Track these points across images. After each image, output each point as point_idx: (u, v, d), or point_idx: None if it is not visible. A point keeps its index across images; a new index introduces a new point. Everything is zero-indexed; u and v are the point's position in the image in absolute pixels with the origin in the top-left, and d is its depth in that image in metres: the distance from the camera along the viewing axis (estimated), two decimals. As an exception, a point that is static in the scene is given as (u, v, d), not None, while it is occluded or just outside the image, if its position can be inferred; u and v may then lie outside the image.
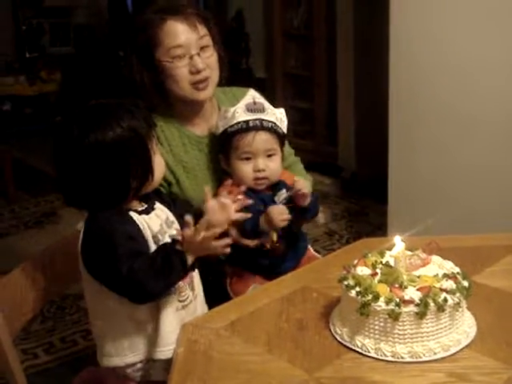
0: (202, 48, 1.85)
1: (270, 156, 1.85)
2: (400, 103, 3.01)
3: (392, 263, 1.43)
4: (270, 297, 1.62)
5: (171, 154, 1.90)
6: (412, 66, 2.93)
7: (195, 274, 1.65)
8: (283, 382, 1.31)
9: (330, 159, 4.50)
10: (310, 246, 2.03)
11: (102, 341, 1.60)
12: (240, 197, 1.71)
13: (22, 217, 4.36)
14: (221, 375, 1.34)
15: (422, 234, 1.79)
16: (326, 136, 4.68)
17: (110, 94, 1.67)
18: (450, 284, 1.36)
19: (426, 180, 3.01)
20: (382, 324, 1.33)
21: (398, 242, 1.43)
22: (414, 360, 1.33)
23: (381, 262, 1.44)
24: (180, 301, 1.58)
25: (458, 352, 1.35)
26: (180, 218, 1.64)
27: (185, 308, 1.60)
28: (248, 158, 1.84)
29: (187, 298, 1.60)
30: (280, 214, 1.75)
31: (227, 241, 1.54)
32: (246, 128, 1.82)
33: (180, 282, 1.56)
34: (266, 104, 1.87)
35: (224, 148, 1.87)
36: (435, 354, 1.33)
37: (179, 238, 1.55)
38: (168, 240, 1.57)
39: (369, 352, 1.35)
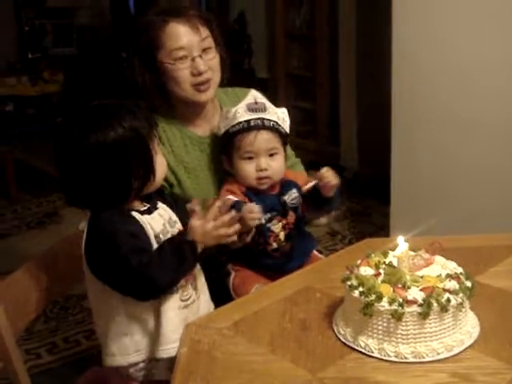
0: (204, 50, 1.85)
1: (272, 155, 1.85)
2: (402, 104, 3.01)
3: (395, 263, 1.43)
4: (273, 297, 1.62)
5: (173, 154, 1.90)
6: (414, 67, 2.93)
7: (198, 273, 1.66)
8: (286, 382, 1.31)
9: (333, 159, 4.50)
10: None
11: (105, 340, 1.61)
12: (232, 198, 1.72)
13: (24, 217, 4.37)
14: (224, 375, 1.34)
15: (425, 235, 1.79)
16: (328, 136, 4.69)
17: (112, 95, 1.67)
18: (453, 284, 1.36)
19: (429, 180, 3.01)
20: (385, 324, 1.34)
21: (401, 243, 1.43)
22: (418, 360, 1.33)
23: (384, 263, 1.45)
24: (182, 300, 1.58)
25: (461, 352, 1.35)
26: (182, 217, 1.64)
27: (187, 307, 1.60)
28: (250, 158, 1.84)
29: (190, 297, 1.60)
30: (251, 212, 1.69)
31: (236, 227, 1.55)
32: (247, 127, 1.82)
33: (182, 281, 1.57)
34: (268, 104, 1.88)
35: (226, 148, 1.87)
36: (438, 354, 1.33)
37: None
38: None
39: (372, 352, 1.35)
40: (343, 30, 4.30)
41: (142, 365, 1.60)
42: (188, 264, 1.52)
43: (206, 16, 1.91)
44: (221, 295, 1.78)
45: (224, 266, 1.90)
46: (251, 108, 1.83)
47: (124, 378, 1.62)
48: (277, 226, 1.85)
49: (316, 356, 1.38)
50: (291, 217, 1.87)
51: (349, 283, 1.40)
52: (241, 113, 1.83)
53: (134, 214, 1.55)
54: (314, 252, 2.02)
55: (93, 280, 1.55)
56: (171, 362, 1.54)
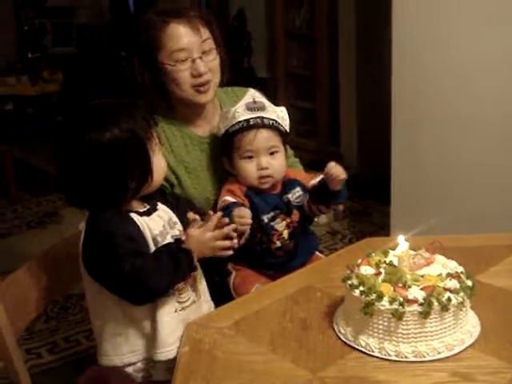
0: (205, 52, 1.85)
1: (272, 154, 1.85)
2: (403, 103, 3.01)
3: (396, 263, 1.43)
4: (274, 296, 1.62)
5: (173, 154, 1.90)
6: (415, 66, 2.93)
7: (199, 275, 1.65)
8: (287, 382, 1.31)
9: (333, 159, 4.48)
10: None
11: (101, 340, 1.61)
12: (230, 199, 1.72)
13: (24, 217, 4.37)
14: (225, 375, 1.34)
15: (426, 234, 1.79)
16: (328, 136, 4.68)
17: (111, 95, 1.67)
18: (453, 283, 1.37)
19: (429, 179, 3.01)
20: (385, 323, 1.34)
21: (402, 242, 1.43)
22: (418, 359, 1.33)
23: (384, 262, 1.45)
24: (179, 302, 1.58)
25: (461, 351, 1.35)
26: (183, 217, 1.64)
27: (185, 309, 1.59)
28: (251, 157, 1.84)
29: (188, 299, 1.60)
30: (241, 217, 1.66)
31: (234, 242, 1.54)
32: (246, 126, 1.82)
33: (181, 284, 1.56)
34: (267, 102, 1.88)
35: (226, 149, 1.87)
36: (439, 353, 1.33)
37: (182, 237, 1.55)
38: (170, 240, 1.57)
39: (373, 351, 1.35)
40: (343, 29, 4.30)
41: (140, 365, 1.60)
42: (182, 272, 1.52)
43: (207, 17, 1.90)
44: (221, 295, 1.78)
45: (224, 266, 1.90)
46: (250, 107, 1.83)
47: (123, 378, 1.62)
48: (281, 225, 1.85)
49: (317, 355, 1.38)
50: (295, 215, 1.87)
51: (349, 282, 1.40)
52: (240, 112, 1.83)
53: (133, 215, 1.54)
54: (315, 252, 2.02)
55: (90, 281, 1.55)
56: (170, 363, 1.54)
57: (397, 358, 1.33)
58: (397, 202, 3.15)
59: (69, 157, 1.51)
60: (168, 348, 1.55)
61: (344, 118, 4.46)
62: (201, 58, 1.84)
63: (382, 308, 1.33)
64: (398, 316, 1.31)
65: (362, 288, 1.36)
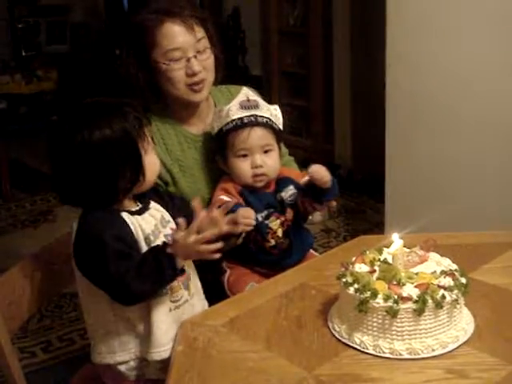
0: (199, 51, 1.84)
1: (266, 152, 1.85)
2: (397, 101, 3.01)
3: (390, 260, 1.43)
4: (268, 294, 1.62)
5: (167, 152, 1.90)
6: (409, 64, 2.93)
7: (192, 274, 1.65)
8: (282, 379, 1.31)
9: (327, 157, 4.50)
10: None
11: (94, 338, 1.61)
12: (225, 198, 1.71)
13: (18, 215, 4.36)
14: (220, 372, 1.34)
15: (420, 232, 1.79)
16: (322, 134, 4.69)
17: (106, 93, 1.67)
18: (447, 281, 1.37)
19: (423, 177, 3.01)
20: (380, 321, 1.34)
21: (396, 240, 1.43)
22: (413, 357, 1.33)
23: (379, 259, 1.45)
24: (173, 301, 1.57)
25: (456, 349, 1.35)
26: (178, 215, 1.63)
27: (179, 308, 1.59)
28: (245, 155, 1.84)
29: (181, 298, 1.59)
30: (245, 217, 1.64)
31: (218, 245, 1.52)
32: (240, 125, 1.82)
33: (174, 282, 1.55)
34: (260, 101, 1.87)
35: (220, 147, 1.87)
36: (433, 350, 1.34)
37: (169, 238, 1.55)
38: (163, 239, 1.56)
39: (367, 349, 1.36)
40: (337, 26, 4.30)
41: (132, 363, 1.59)
42: (166, 277, 1.50)
43: (202, 15, 1.90)
44: (215, 293, 1.78)
45: (219, 264, 1.90)
46: (244, 105, 1.83)
47: (117, 377, 1.62)
48: (275, 223, 1.85)
49: (311, 353, 1.38)
50: (289, 213, 1.87)
51: (344, 280, 1.40)
52: (233, 110, 1.83)
53: (124, 214, 1.53)
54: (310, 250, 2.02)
55: (82, 279, 1.55)
56: (163, 362, 1.54)
57: (391, 356, 1.34)
58: (391, 199, 3.16)
59: (61, 155, 1.51)
60: (162, 348, 1.55)
61: (338, 116, 4.47)
62: (195, 57, 1.83)
63: (377, 305, 1.33)
64: (393, 313, 1.31)
65: (356, 286, 1.36)
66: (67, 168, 1.50)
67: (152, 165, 1.57)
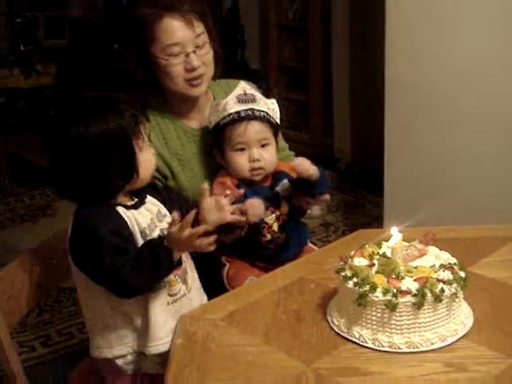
0: (198, 46, 1.84)
1: (264, 146, 1.84)
2: (396, 94, 3.00)
3: (389, 254, 1.43)
4: (267, 288, 1.62)
5: (167, 147, 1.90)
6: (408, 57, 2.93)
7: (189, 267, 1.65)
8: (281, 373, 1.31)
9: (326, 151, 4.50)
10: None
11: (92, 332, 1.61)
12: (228, 192, 1.71)
13: (17, 210, 4.35)
14: (219, 366, 1.34)
15: (419, 225, 1.79)
16: (321, 128, 4.68)
17: (105, 88, 1.66)
18: (446, 274, 1.37)
19: (422, 171, 3.01)
20: (379, 315, 1.34)
21: (395, 233, 1.44)
22: (412, 350, 1.33)
23: (378, 253, 1.45)
24: (170, 295, 1.58)
25: (455, 342, 1.36)
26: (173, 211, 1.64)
27: (177, 301, 1.59)
28: (242, 149, 1.83)
29: (178, 291, 1.59)
30: (255, 207, 1.68)
31: (211, 239, 1.52)
32: (237, 119, 1.81)
33: (171, 276, 1.56)
34: (258, 95, 1.87)
35: (218, 141, 1.87)
36: (432, 344, 1.34)
37: (165, 231, 1.55)
38: (159, 233, 1.57)
39: (366, 343, 1.36)
40: (336, 20, 4.29)
41: (130, 357, 1.60)
42: (163, 270, 1.50)
43: (201, 10, 1.89)
44: (215, 287, 1.78)
45: (218, 258, 1.90)
46: (241, 99, 1.83)
47: (115, 371, 1.62)
48: (270, 218, 1.85)
49: (310, 347, 1.38)
50: (284, 208, 1.87)
51: (343, 274, 1.40)
52: (231, 104, 1.83)
53: (120, 209, 1.53)
54: (308, 243, 2.02)
55: (79, 274, 1.55)
56: (161, 356, 1.54)
57: (390, 349, 1.34)
58: (390, 193, 3.16)
59: (56, 149, 1.52)
60: (160, 342, 1.55)
61: (337, 110, 4.46)
62: (194, 52, 1.83)
63: (376, 299, 1.33)
64: (392, 307, 1.32)
65: (355, 279, 1.36)
66: (62, 162, 1.51)
67: (147, 162, 1.56)
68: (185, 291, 1.62)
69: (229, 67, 2.04)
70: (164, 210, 1.63)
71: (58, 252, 1.71)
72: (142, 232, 1.54)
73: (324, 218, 3.95)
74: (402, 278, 1.35)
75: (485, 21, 2.65)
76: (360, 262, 1.43)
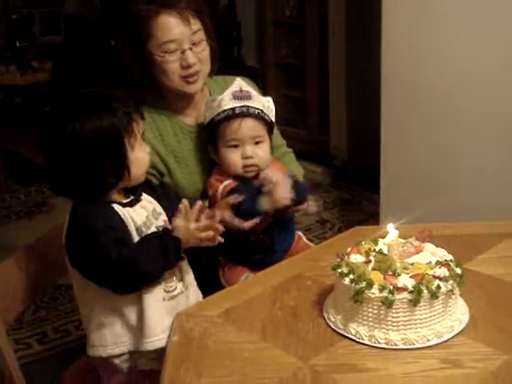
0: (195, 43, 1.84)
1: (257, 143, 1.84)
2: (392, 91, 3.01)
3: (385, 251, 1.43)
4: (264, 285, 1.62)
5: (163, 143, 1.90)
6: (405, 54, 2.93)
7: (184, 265, 1.65)
8: (278, 370, 1.31)
9: (322, 148, 4.50)
10: (302, 234, 2.03)
11: (87, 331, 1.61)
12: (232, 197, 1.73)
13: (12, 207, 4.35)
14: (215, 363, 1.34)
15: (415, 222, 1.80)
16: (317, 125, 4.68)
17: (101, 84, 1.66)
18: (443, 271, 1.37)
19: (418, 168, 3.01)
20: (375, 311, 1.34)
21: (391, 230, 1.44)
22: (408, 347, 1.34)
23: (374, 250, 1.45)
24: (166, 291, 1.57)
25: (451, 339, 1.36)
26: (169, 208, 1.64)
27: (174, 298, 1.59)
28: (236, 146, 1.83)
29: (175, 288, 1.59)
30: (283, 191, 1.74)
31: (220, 228, 1.54)
32: (232, 115, 1.81)
33: (166, 272, 1.56)
34: (253, 92, 1.87)
35: (212, 137, 1.87)
36: (428, 340, 1.34)
37: (169, 226, 1.55)
38: (154, 230, 1.57)
39: (362, 339, 1.36)
40: (333, 17, 4.29)
41: (125, 356, 1.60)
42: (171, 259, 1.51)
43: (198, 7, 1.88)
44: (211, 284, 1.78)
45: (214, 256, 1.90)
46: (236, 96, 1.83)
47: (111, 368, 1.62)
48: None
49: (307, 343, 1.38)
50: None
51: (339, 271, 1.40)
52: (226, 101, 1.82)
53: (115, 206, 1.53)
54: (305, 240, 2.02)
55: (75, 271, 1.55)
56: (156, 352, 1.54)
57: (386, 346, 1.34)
58: (386, 190, 3.16)
59: (51, 145, 1.51)
60: (155, 338, 1.55)
61: (334, 107, 4.46)
62: (191, 49, 1.83)
63: (372, 296, 1.33)
64: (388, 304, 1.32)
65: (351, 276, 1.36)
66: (58, 158, 1.51)
67: (139, 160, 1.56)
68: (182, 289, 1.62)
69: (225, 64, 2.04)
70: (159, 208, 1.63)
71: (54, 249, 1.71)
72: (138, 229, 1.54)
73: (320, 214, 3.95)
74: (399, 275, 1.35)
75: (482, 18, 2.65)
76: (356, 258, 1.43)
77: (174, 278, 1.60)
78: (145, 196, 1.62)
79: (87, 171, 1.48)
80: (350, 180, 4.36)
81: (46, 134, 1.52)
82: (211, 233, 1.53)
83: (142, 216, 1.57)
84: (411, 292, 1.32)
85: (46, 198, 4.33)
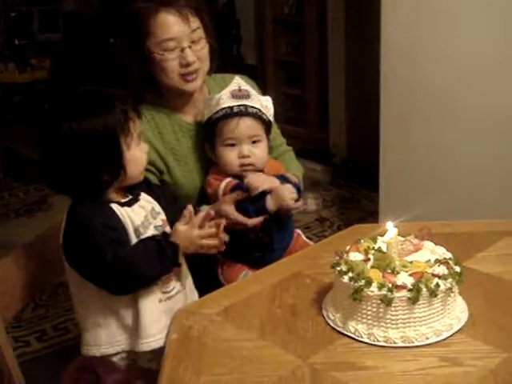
0: (194, 41, 1.84)
1: (254, 142, 1.84)
2: (392, 89, 3.00)
3: (384, 249, 1.43)
4: (263, 283, 1.62)
5: (162, 141, 1.89)
6: (404, 52, 2.93)
7: (183, 264, 1.65)
8: (277, 368, 1.31)
9: (322, 146, 4.50)
10: (301, 232, 2.03)
11: (82, 330, 1.61)
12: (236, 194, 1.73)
13: (11, 204, 4.34)
14: (214, 361, 1.34)
15: (414, 220, 1.80)
16: (317, 123, 4.68)
17: (100, 82, 1.66)
18: (442, 269, 1.37)
19: (418, 166, 3.01)
20: (374, 309, 1.34)
21: (390, 228, 1.44)
22: (407, 345, 1.34)
23: (373, 248, 1.45)
24: (164, 292, 1.57)
25: (450, 337, 1.36)
26: (168, 207, 1.64)
27: (171, 299, 1.59)
28: (233, 145, 1.83)
29: (172, 289, 1.59)
30: (290, 192, 1.77)
31: (226, 237, 1.54)
32: (230, 114, 1.81)
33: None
34: (252, 91, 1.87)
35: (209, 135, 1.87)
36: (427, 338, 1.34)
37: (166, 228, 1.55)
38: (153, 230, 1.56)
39: (361, 337, 1.36)
40: (332, 15, 4.28)
41: (123, 355, 1.60)
42: (167, 264, 1.51)
43: (197, 5, 1.88)
44: (210, 282, 1.78)
45: (211, 255, 1.89)
46: (235, 95, 1.83)
47: (108, 367, 1.61)
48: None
49: (306, 341, 1.38)
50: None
51: (338, 269, 1.40)
52: (224, 99, 1.82)
53: (113, 205, 1.53)
54: (304, 238, 2.02)
55: (72, 270, 1.55)
56: (153, 353, 1.54)
57: (385, 344, 1.34)
58: (385, 188, 3.16)
59: (47, 143, 1.52)
60: (151, 338, 1.55)
61: (333, 105, 4.46)
62: (190, 47, 1.83)
63: (371, 294, 1.33)
64: (387, 302, 1.32)
65: (350, 274, 1.36)
66: (56, 156, 1.51)
67: (136, 159, 1.56)
68: (179, 288, 1.62)
69: (224, 62, 2.04)
70: (158, 208, 1.63)
71: (53, 247, 1.71)
72: (136, 229, 1.54)
73: (319, 213, 3.95)
74: (398, 273, 1.35)
75: (481, 16, 2.65)
76: (355, 256, 1.42)
77: (172, 280, 1.59)
78: (143, 195, 1.61)
79: (82, 170, 1.48)
80: (349, 178, 4.36)
81: (44, 132, 1.52)
82: (213, 241, 1.53)
83: (141, 216, 1.57)
84: (410, 290, 1.32)
85: (45, 196, 4.33)
